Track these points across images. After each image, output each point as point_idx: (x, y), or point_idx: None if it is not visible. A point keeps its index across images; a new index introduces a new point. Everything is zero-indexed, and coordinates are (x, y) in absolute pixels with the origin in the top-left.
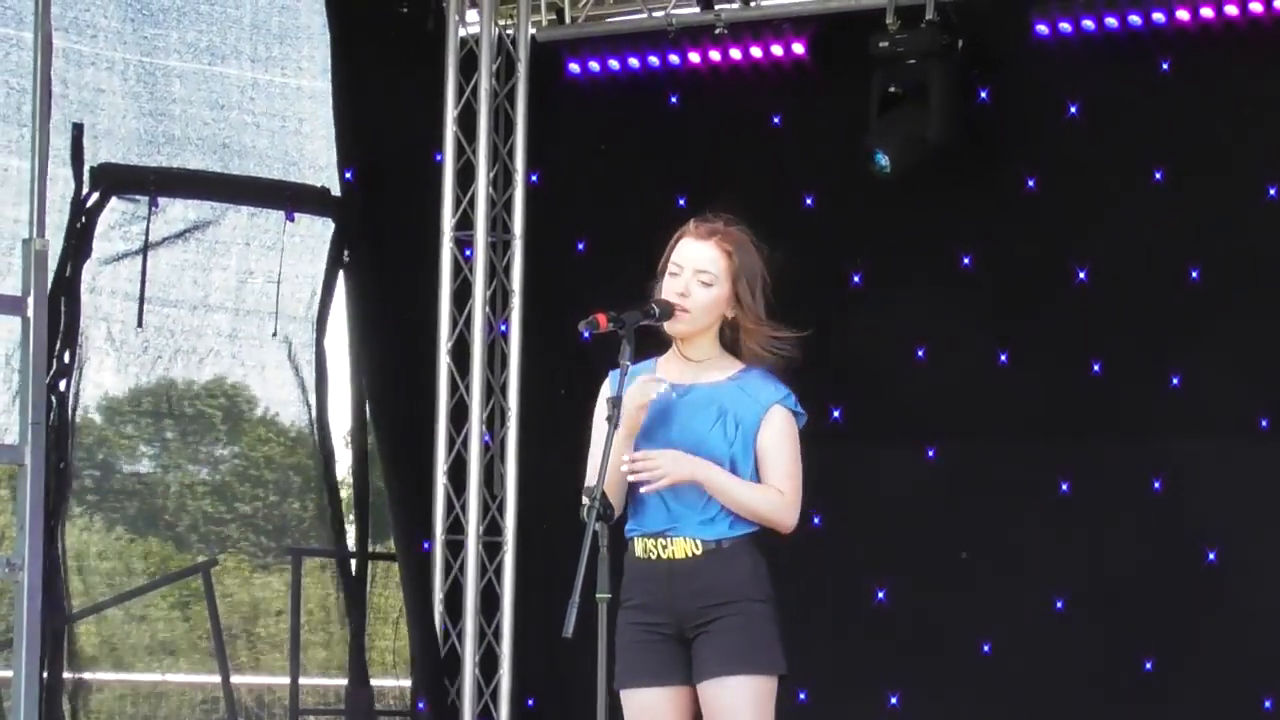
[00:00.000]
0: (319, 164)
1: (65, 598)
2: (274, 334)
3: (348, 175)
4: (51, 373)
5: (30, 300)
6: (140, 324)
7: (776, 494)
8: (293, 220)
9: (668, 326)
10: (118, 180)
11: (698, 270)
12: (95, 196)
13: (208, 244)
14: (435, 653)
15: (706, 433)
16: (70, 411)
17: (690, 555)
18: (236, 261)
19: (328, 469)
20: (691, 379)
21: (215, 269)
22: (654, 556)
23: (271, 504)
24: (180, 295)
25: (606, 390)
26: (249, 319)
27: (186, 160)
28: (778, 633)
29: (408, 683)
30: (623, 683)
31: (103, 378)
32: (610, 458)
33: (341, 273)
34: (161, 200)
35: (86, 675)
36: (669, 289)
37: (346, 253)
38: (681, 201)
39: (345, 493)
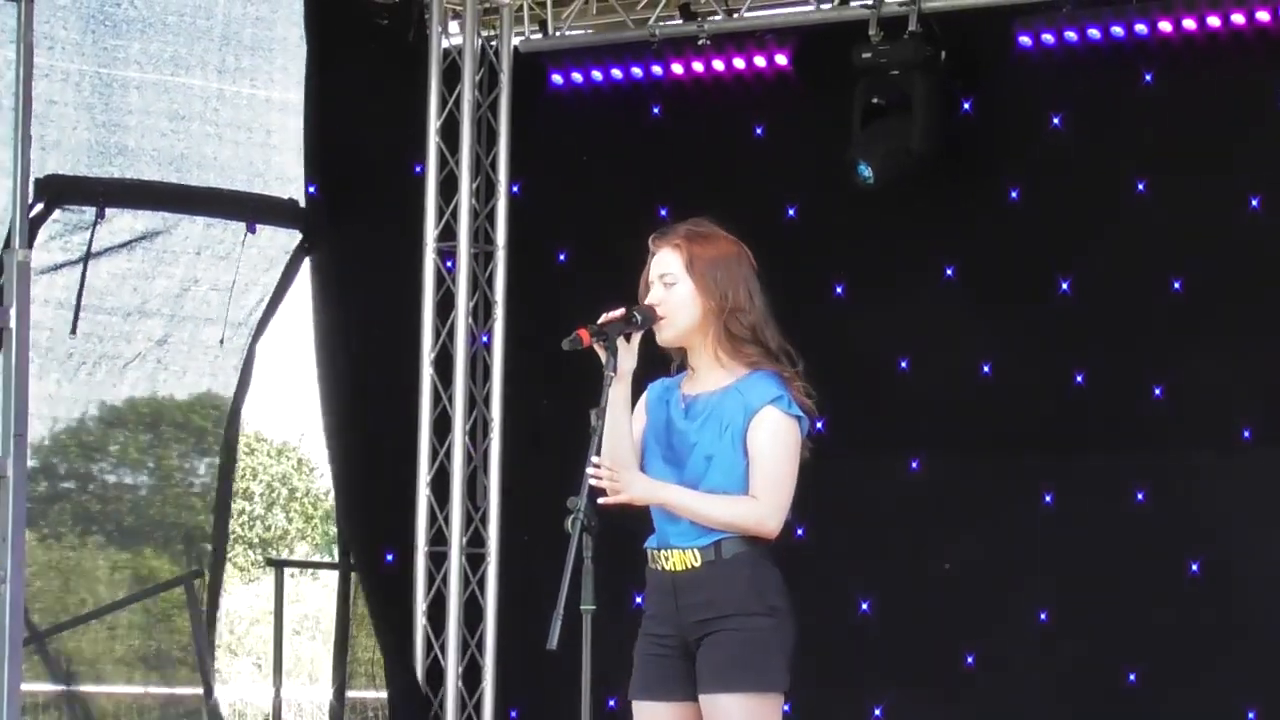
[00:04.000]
0: (288, 175)
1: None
2: (221, 341)
3: (310, 189)
4: None
5: (13, 311)
6: (74, 331)
7: (748, 503)
8: (254, 232)
9: (657, 338)
10: (64, 191)
11: (660, 275)
12: (39, 207)
13: (155, 253)
14: (411, 669)
15: (711, 443)
16: None
17: (689, 567)
18: (183, 270)
19: (228, 471)
20: (696, 390)
21: (160, 277)
22: (660, 568)
23: (256, 516)
24: (117, 303)
25: (642, 404)
26: (184, 325)
27: (140, 171)
28: (779, 647)
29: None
30: (632, 694)
31: (42, 387)
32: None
33: (310, 283)
34: (109, 211)
35: (67, 688)
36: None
37: (308, 263)
38: (664, 212)
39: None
